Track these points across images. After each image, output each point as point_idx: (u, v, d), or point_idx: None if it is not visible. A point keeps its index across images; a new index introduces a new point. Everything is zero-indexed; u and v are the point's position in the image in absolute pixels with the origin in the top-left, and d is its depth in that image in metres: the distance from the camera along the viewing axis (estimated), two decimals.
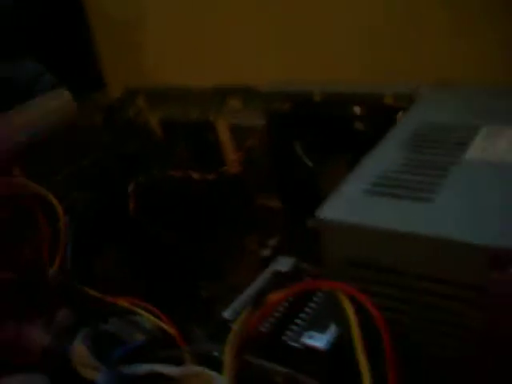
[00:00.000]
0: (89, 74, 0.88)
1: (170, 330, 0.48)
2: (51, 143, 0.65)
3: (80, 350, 0.44)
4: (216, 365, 0.39)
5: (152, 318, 0.49)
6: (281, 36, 0.72)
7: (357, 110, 0.54)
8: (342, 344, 0.39)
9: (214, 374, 0.39)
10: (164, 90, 0.71)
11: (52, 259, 0.49)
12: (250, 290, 0.54)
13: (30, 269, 0.46)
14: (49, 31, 0.87)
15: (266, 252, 0.62)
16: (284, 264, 0.57)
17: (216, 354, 0.43)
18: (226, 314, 0.51)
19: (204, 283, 0.63)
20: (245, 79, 0.64)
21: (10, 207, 0.54)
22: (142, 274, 0.61)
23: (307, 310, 0.49)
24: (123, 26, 0.88)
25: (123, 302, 0.49)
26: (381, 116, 0.52)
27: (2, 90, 0.69)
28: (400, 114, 0.51)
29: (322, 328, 0.45)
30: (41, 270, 0.47)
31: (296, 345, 0.45)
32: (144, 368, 0.42)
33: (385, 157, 0.41)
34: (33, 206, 0.53)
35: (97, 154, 0.68)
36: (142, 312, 0.49)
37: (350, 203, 0.37)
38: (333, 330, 0.43)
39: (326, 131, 0.55)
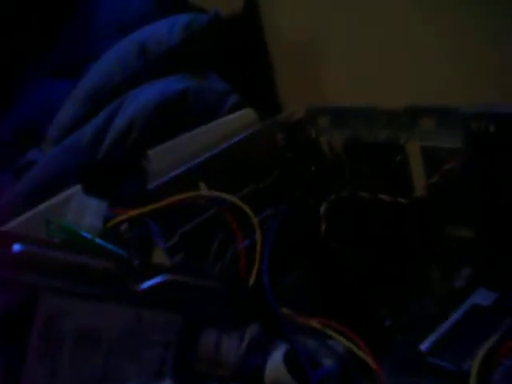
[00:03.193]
0: (269, 96, 0.90)
1: (364, 355, 0.46)
2: (234, 160, 0.66)
3: (278, 367, 0.42)
4: None
5: (345, 341, 0.47)
6: (480, 55, 0.67)
7: None
8: None
9: None
10: (348, 110, 0.69)
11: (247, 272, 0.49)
12: (449, 324, 0.50)
13: (232, 279, 0.46)
14: (230, 54, 0.90)
15: (460, 283, 0.58)
16: (484, 298, 0.52)
17: None
18: (424, 346, 0.48)
19: (386, 310, 0.60)
20: (438, 99, 0.60)
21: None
22: (325, 296, 0.60)
23: None
24: (303, 46, 0.88)
25: (315, 323, 0.48)
26: None
27: (195, 102, 0.72)
28: None
29: None
30: (241, 281, 0.47)
31: None
32: None
33: None
34: (228, 217, 0.53)
35: (280, 171, 0.68)
36: (335, 334, 0.47)
37: None
38: None
39: None
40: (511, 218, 0.53)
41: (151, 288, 0.36)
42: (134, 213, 0.52)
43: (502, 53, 0.69)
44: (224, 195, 0.54)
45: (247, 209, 0.52)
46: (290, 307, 0.51)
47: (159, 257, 0.54)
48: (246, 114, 0.72)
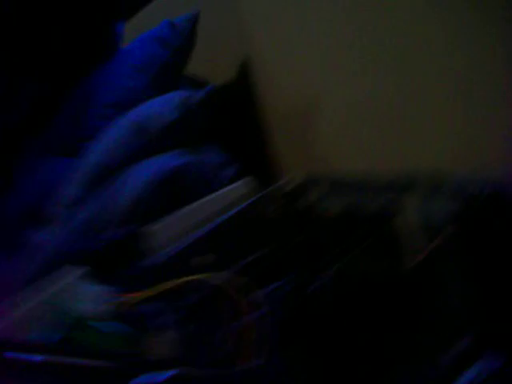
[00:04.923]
0: (267, 165, 0.91)
1: None
2: (234, 231, 0.67)
3: None
4: None
5: None
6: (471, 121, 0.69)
7: None
8: None
9: None
10: (345, 178, 0.70)
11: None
12: None
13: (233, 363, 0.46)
14: (228, 124, 0.92)
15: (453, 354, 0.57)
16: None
17: None
18: None
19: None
20: (431, 166, 0.62)
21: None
22: (325, 373, 0.59)
23: None
24: (299, 115, 0.90)
25: None
26: None
27: (194, 176, 0.73)
28: None
29: None
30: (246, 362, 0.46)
31: None
32: None
33: None
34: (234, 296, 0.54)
35: (279, 241, 0.68)
36: None
37: None
38: None
39: None
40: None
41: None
42: (137, 296, 0.52)
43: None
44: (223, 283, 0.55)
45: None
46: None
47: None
48: (244, 184, 0.73)
